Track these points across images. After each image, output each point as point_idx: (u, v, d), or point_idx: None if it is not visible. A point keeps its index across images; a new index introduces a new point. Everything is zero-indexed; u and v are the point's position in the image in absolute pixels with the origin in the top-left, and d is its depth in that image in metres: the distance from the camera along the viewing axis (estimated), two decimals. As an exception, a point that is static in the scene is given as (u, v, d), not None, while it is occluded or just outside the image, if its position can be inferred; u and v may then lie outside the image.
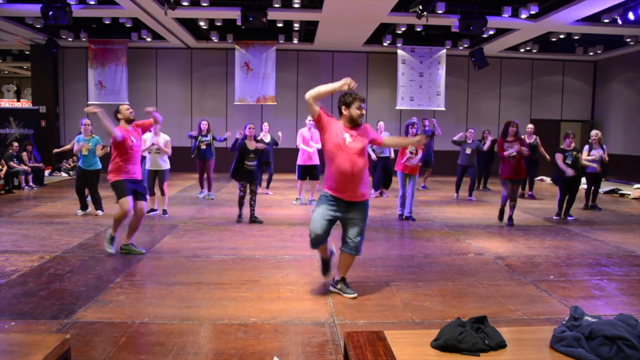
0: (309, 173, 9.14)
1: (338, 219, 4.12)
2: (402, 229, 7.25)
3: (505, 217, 7.75)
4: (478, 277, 4.87)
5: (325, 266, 4.49)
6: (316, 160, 9.08)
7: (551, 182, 13.82)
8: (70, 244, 5.98)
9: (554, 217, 8.25)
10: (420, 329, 3.50)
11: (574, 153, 8.03)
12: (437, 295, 4.35)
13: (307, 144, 9.02)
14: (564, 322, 2.32)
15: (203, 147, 9.56)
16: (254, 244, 6.13)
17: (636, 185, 11.61)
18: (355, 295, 4.21)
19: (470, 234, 6.91)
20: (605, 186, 11.21)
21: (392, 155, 10.08)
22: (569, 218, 8.21)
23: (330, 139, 4.04)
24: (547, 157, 10.34)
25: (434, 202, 9.90)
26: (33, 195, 10.24)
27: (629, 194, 11.14)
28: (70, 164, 14.11)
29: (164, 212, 7.98)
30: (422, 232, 7.05)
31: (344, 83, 3.99)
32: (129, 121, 5.59)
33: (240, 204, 7.51)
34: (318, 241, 4.13)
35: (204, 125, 9.62)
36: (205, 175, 9.85)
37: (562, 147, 8.18)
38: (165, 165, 8.01)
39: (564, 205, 8.22)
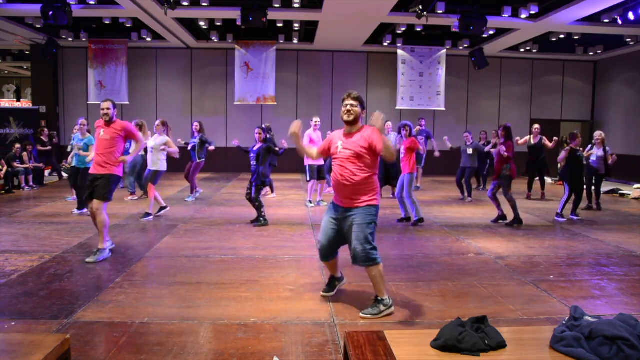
0: (318, 173, 9.11)
1: (341, 228, 3.88)
2: (402, 229, 7.25)
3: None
4: (478, 277, 4.87)
5: (330, 284, 4.29)
6: (321, 161, 9.06)
7: (552, 182, 13.83)
8: (70, 244, 5.99)
9: (560, 219, 8.07)
10: (420, 329, 3.50)
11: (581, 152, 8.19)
12: (437, 295, 4.35)
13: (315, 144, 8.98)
14: (564, 322, 2.32)
15: (188, 148, 9.61)
16: (254, 244, 6.13)
17: (636, 185, 11.61)
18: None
19: (470, 234, 6.91)
20: (605, 186, 11.21)
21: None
22: (574, 218, 8.14)
23: (332, 149, 4.06)
24: (550, 145, 10.28)
25: (434, 202, 9.90)
26: (33, 195, 10.24)
27: (629, 194, 11.14)
28: (69, 164, 14.09)
29: (147, 214, 7.70)
30: (422, 232, 7.05)
31: (291, 132, 4.12)
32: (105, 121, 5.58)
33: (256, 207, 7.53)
34: (324, 251, 4.01)
35: (195, 126, 9.66)
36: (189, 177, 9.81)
37: (571, 146, 8.23)
38: (163, 166, 8.02)
39: (566, 205, 8.20)
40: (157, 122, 8.23)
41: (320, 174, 9.14)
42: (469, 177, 10.43)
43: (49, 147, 12.33)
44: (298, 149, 4.36)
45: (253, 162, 7.34)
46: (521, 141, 10.15)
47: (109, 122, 5.51)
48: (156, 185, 7.98)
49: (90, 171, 5.51)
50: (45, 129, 12.94)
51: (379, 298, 3.85)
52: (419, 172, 11.97)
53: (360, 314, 3.81)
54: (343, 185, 3.85)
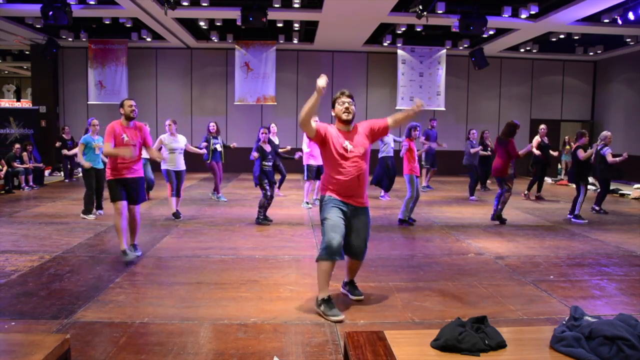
0: (317, 172, 8.93)
1: (348, 224, 3.93)
2: (402, 229, 7.24)
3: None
4: (478, 277, 4.87)
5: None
6: (321, 160, 9.01)
7: (552, 182, 13.83)
8: (70, 244, 5.99)
9: (579, 221, 7.99)
10: (420, 329, 3.50)
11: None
12: (437, 295, 4.35)
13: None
14: (564, 322, 2.32)
15: (219, 149, 9.50)
16: (254, 244, 6.13)
17: (636, 185, 11.60)
18: (362, 297, 4.18)
19: (470, 234, 6.91)
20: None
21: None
22: (569, 216, 8.21)
23: (334, 148, 3.87)
24: (555, 153, 10.49)
25: (434, 202, 9.90)
26: (33, 195, 10.24)
27: (629, 194, 11.14)
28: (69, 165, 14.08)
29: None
30: (422, 232, 7.05)
31: (319, 87, 3.64)
32: (128, 118, 5.30)
33: (265, 208, 7.50)
34: (339, 247, 3.83)
35: (213, 127, 9.55)
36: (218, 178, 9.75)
37: (577, 144, 8.22)
38: (184, 165, 8.00)
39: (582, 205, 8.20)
40: (170, 122, 7.99)
41: (318, 173, 9.00)
42: (475, 177, 10.49)
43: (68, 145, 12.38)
44: (311, 106, 3.72)
45: (270, 163, 7.43)
46: (534, 144, 10.08)
47: (129, 122, 5.31)
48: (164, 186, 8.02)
49: (127, 175, 5.26)
50: (67, 127, 12.92)
51: (355, 281, 4.32)
52: (431, 172, 12.09)
53: (355, 298, 4.18)
54: (357, 184, 3.90)
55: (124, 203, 5.26)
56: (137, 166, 5.38)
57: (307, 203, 9.18)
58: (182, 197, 8.10)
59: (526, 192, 10.63)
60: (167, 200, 7.95)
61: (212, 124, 9.63)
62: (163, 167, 7.81)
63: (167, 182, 7.83)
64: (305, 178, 9.07)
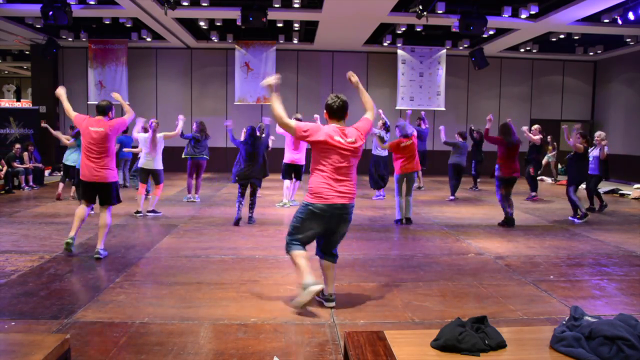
0: (295, 172, 8.84)
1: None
2: (402, 229, 7.24)
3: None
4: (478, 277, 4.87)
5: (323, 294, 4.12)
6: (302, 160, 8.85)
7: (552, 182, 13.83)
8: (70, 244, 5.98)
9: (570, 218, 8.12)
10: (420, 329, 3.50)
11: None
12: (437, 295, 4.35)
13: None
14: (564, 322, 2.32)
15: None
16: (254, 244, 6.13)
17: (636, 185, 11.61)
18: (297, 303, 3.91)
19: (470, 234, 6.91)
20: (605, 186, 11.21)
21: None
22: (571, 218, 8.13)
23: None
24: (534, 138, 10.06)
25: (434, 202, 9.90)
26: (33, 195, 10.24)
27: (629, 194, 11.14)
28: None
29: (152, 211, 7.90)
30: (422, 232, 7.05)
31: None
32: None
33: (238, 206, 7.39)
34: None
35: (194, 126, 9.63)
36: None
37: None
38: (139, 163, 7.90)
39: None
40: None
41: (297, 173, 8.87)
42: (459, 177, 10.34)
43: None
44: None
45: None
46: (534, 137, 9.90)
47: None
48: (145, 184, 7.94)
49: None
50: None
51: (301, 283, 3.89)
52: (419, 172, 11.93)
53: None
54: None
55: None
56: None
57: (289, 201, 8.98)
58: (151, 194, 8.08)
59: (533, 194, 10.39)
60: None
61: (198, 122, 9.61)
62: None
63: None
64: (281, 177, 9.03)
